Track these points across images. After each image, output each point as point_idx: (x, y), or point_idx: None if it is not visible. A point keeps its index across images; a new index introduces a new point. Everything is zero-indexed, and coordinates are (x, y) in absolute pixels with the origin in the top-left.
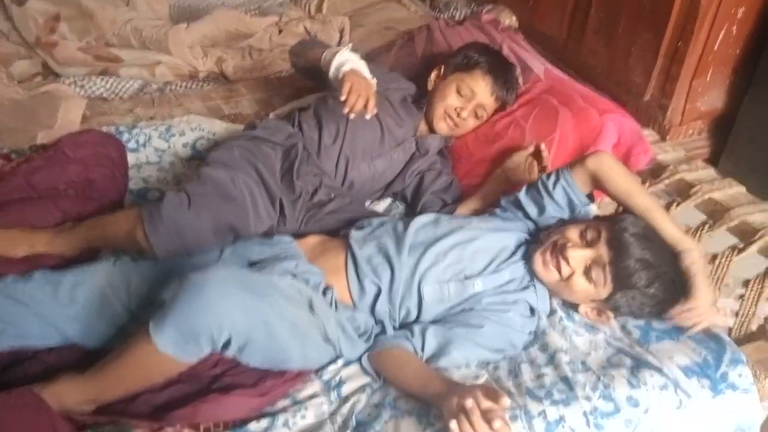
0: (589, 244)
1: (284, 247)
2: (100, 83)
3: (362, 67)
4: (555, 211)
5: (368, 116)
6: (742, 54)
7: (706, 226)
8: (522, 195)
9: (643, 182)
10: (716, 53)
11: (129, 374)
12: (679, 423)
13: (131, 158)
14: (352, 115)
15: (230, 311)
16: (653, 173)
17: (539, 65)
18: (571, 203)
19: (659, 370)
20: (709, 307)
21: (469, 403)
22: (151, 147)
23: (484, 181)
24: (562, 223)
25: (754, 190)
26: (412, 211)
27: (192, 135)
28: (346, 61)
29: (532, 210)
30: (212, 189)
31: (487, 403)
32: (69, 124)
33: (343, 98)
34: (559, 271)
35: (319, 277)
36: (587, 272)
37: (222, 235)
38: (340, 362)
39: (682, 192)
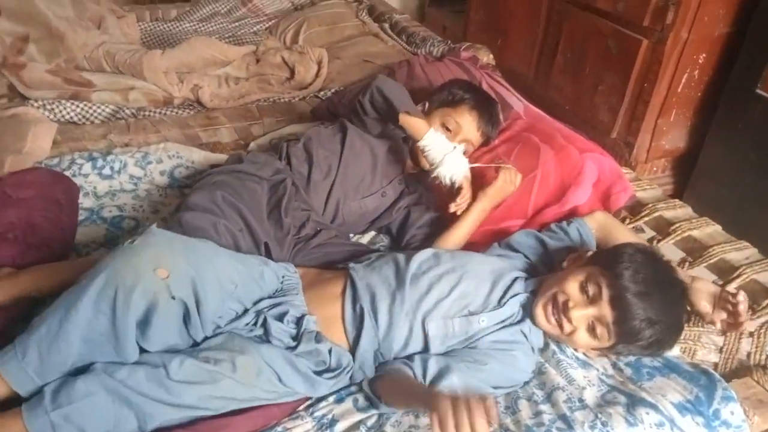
0: (592, 302)
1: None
2: (70, 107)
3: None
4: (555, 247)
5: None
6: (703, 96)
7: (686, 264)
8: (516, 240)
9: (623, 220)
10: (679, 95)
11: None
12: None
13: (105, 185)
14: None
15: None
16: (632, 210)
17: (518, 102)
18: (581, 240)
19: (655, 407)
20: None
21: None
22: (126, 174)
23: (466, 214)
24: (566, 263)
25: None
26: (396, 244)
27: (170, 163)
28: (464, 164)
29: (528, 251)
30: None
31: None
32: (38, 150)
33: (459, 201)
34: (561, 328)
35: (297, 310)
36: (590, 329)
37: None
38: (331, 399)
39: (661, 229)
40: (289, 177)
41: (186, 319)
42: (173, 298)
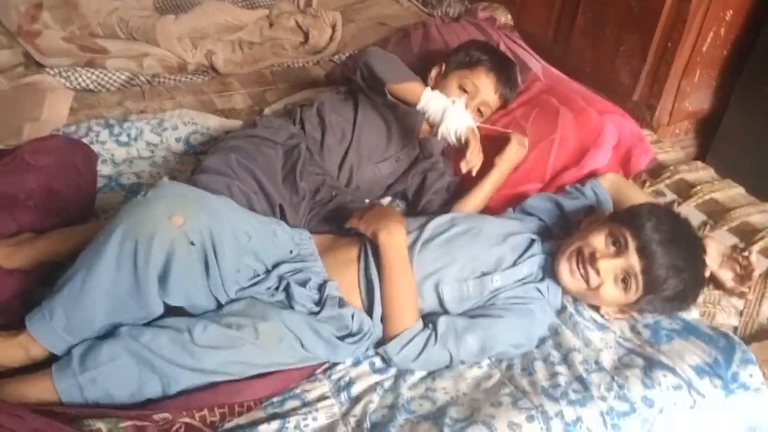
0: (618, 253)
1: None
2: (85, 75)
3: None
4: (572, 208)
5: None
6: (729, 56)
7: (707, 227)
8: (530, 204)
9: (643, 182)
10: (704, 54)
11: None
12: (693, 423)
13: (122, 152)
14: (465, 169)
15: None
16: (653, 173)
17: (537, 64)
18: (597, 200)
19: (672, 370)
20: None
21: None
22: (143, 141)
23: (483, 178)
24: (582, 225)
25: None
26: (412, 209)
27: (185, 129)
28: (467, 117)
29: (543, 214)
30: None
31: None
32: (56, 117)
33: (468, 156)
34: (588, 282)
35: (318, 276)
36: (617, 281)
37: None
38: (348, 362)
39: (682, 192)
40: (304, 141)
41: (206, 270)
42: (192, 243)
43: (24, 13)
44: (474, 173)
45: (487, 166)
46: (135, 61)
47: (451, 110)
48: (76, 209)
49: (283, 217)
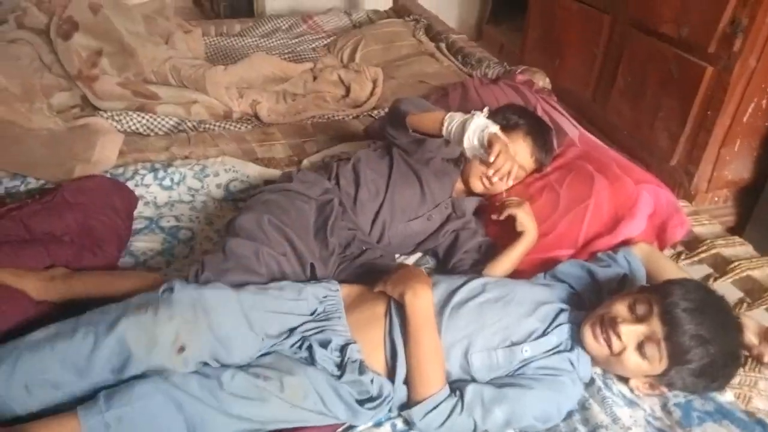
0: (641, 319)
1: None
2: (136, 119)
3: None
4: (604, 276)
5: (504, 188)
6: None
7: (744, 305)
8: (561, 270)
9: (678, 255)
10: (745, 124)
11: None
12: None
13: (164, 196)
14: (496, 179)
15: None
16: (688, 246)
17: (573, 129)
18: (630, 268)
19: None
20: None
21: None
22: (185, 186)
23: (513, 241)
24: (609, 295)
25: None
26: (443, 267)
27: (226, 176)
28: (489, 123)
29: (574, 281)
30: (234, 264)
31: None
32: (106, 159)
33: (492, 159)
34: (610, 347)
35: (340, 337)
36: (640, 348)
37: None
38: (370, 423)
39: (718, 267)
40: (337, 197)
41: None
42: (186, 368)
43: (85, 59)
44: (506, 183)
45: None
46: (184, 107)
47: (472, 120)
48: (110, 246)
49: (313, 274)
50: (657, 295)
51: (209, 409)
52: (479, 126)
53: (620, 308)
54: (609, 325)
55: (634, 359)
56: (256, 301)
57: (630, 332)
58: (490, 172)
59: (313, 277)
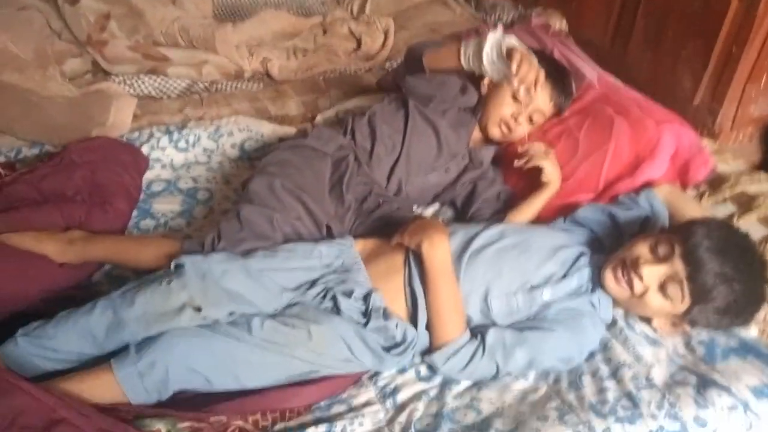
0: (663, 259)
1: (341, 250)
2: (148, 82)
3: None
4: (625, 219)
5: (534, 94)
6: None
7: None
8: (581, 215)
9: (702, 194)
10: None
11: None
12: None
13: (181, 158)
14: (522, 88)
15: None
16: (712, 185)
17: (592, 72)
18: (652, 210)
19: (727, 390)
20: None
21: None
22: (201, 147)
23: (534, 189)
24: (630, 238)
25: None
26: (461, 217)
27: (240, 136)
28: (505, 37)
29: (595, 225)
30: (248, 233)
31: None
32: (121, 122)
33: (514, 68)
34: (632, 288)
35: (362, 287)
36: (662, 288)
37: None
38: (394, 369)
39: (743, 205)
40: (352, 153)
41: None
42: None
43: (93, 23)
44: (530, 90)
45: (535, 181)
46: (195, 68)
47: (488, 37)
48: (119, 202)
49: (330, 234)
50: (679, 236)
51: (240, 350)
52: (496, 40)
53: (641, 249)
54: (631, 266)
55: (656, 299)
56: (264, 264)
57: (652, 273)
58: (515, 83)
59: (330, 237)
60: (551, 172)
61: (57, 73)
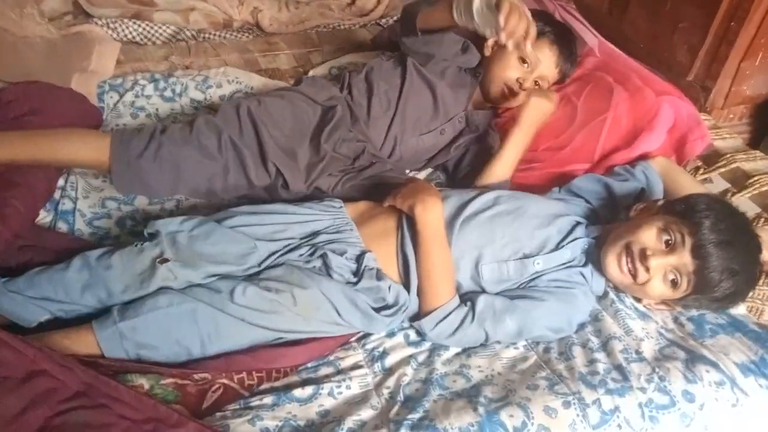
0: (671, 250)
1: (331, 213)
2: (132, 27)
3: None
4: (621, 191)
5: (528, 49)
6: None
7: (762, 219)
8: (577, 185)
9: (697, 169)
10: None
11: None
12: (734, 421)
13: (166, 107)
14: (510, 43)
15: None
16: (707, 160)
17: (593, 38)
18: (647, 182)
19: (715, 366)
20: None
21: None
22: (188, 97)
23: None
24: (632, 212)
25: None
26: (452, 180)
27: (229, 88)
28: None
29: (590, 196)
30: (194, 141)
31: None
32: (103, 68)
33: (501, 21)
34: (635, 277)
35: (355, 248)
36: (665, 278)
37: (193, 190)
38: (383, 332)
39: (737, 182)
40: (344, 105)
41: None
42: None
43: None
44: (511, 45)
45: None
46: (181, 15)
47: None
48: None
49: (280, 176)
50: (687, 223)
51: (223, 316)
52: None
53: (648, 237)
54: (639, 257)
55: (658, 287)
56: (239, 221)
57: (659, 265)
58: (503, 37)
59: (280, 177)
60: (530, 106)
61: (35, 12)
